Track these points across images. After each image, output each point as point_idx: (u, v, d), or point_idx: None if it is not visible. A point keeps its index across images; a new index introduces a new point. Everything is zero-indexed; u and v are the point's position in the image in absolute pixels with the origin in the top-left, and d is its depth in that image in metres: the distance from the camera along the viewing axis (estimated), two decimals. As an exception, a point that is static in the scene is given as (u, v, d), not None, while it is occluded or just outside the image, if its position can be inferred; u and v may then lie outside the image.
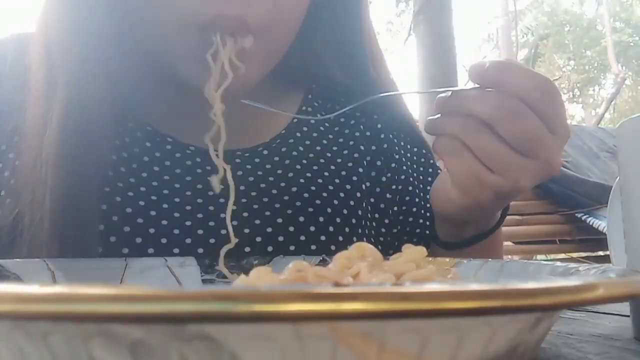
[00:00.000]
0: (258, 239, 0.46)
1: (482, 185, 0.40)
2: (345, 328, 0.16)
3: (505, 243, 2.64)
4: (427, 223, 0.57)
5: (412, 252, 0.27)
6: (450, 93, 0.41)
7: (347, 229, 0.50)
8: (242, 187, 0.48)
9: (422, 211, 0.57)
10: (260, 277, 0.23)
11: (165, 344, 0.16)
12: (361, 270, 0.23)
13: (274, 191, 0.49)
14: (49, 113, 0.42)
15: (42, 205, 0.40)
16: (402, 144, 0.59)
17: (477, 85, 0.40)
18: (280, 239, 0.47)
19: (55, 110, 0.42)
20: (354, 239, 0.50)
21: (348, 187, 0.52)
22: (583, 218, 2.52)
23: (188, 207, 0.46)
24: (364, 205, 0.53)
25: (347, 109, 0.45)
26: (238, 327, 0.15)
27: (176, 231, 0.45)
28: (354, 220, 0.51)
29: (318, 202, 0.50)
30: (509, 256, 2.60)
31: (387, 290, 0.14)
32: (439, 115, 0.42)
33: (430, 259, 0.37)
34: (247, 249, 0.46)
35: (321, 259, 0.40)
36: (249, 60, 0.42)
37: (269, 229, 0.47)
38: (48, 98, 0.42)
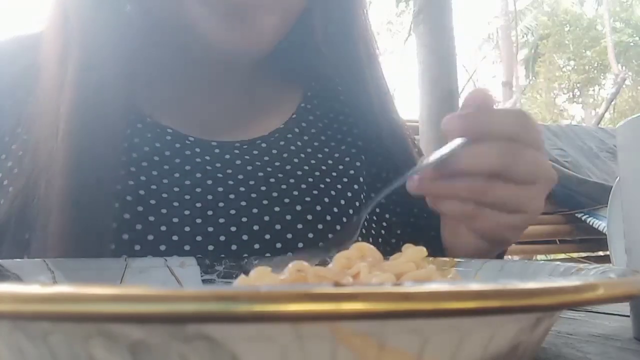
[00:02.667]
0: (255, 227, 0.47)
1: (507, 228, 0.42)
2: (345, 328, 0.16)
3: (506, 243, 2.64)
4: (429, 222, 0.57)
5: (412, 252, 0.27)
6: (438, 156, 0.40)
7: (344, 219, 0.51)
8: (240, 176, 0.49)
9: (421, 211, 0.58)
10: (260, 277, 0.23)
11: (165, 344, 0.16)
12: (361, 270, 0.23)
13: (272, 180, 0.50)
14: (62, 86, 0.44)
15: (53, 188, 0.42)
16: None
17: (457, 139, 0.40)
18: (277, 227, 0.48)
19: (68, 85, 0.43)
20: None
21: (345, 180, 0.53)
22: (583, 218, 2.52)
23: (187, 197, 0.47)
24: (362, 197, 0.54)
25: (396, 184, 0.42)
26: (238, 327, 0.15)
27: (175, 220, 0.45)
28: (351, 211, 0.52)
29: (315, 192, 0.51)
30: (509, 256, 2.60)
31: (387, 290, 0.14)
32: (433, 179, 0.41)
33: (430, 258, 0.37)
34: (245, 237, 0.46)
35: (321, 259, 0.40)
36: (264, 12, 0.45)
37: (267, 218, 0.48)
38: (61, 73, 0.44)
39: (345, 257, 0.25)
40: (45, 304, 0.14)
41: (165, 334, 0.15)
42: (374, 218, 0.55)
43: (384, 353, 0.16)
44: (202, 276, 0.38)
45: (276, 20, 0.46)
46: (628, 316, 0.34)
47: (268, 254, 0.46)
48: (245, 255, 0.42)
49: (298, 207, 0.49)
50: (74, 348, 0.16)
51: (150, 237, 0.44)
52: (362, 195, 0.54)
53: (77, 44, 0.45)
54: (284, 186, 0.50)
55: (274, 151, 0.53)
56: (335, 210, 0.51)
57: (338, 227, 0.50)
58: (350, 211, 0.52)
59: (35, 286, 0.14)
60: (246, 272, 0.24)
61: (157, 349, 0.16)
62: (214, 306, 0.13)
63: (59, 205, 0.41)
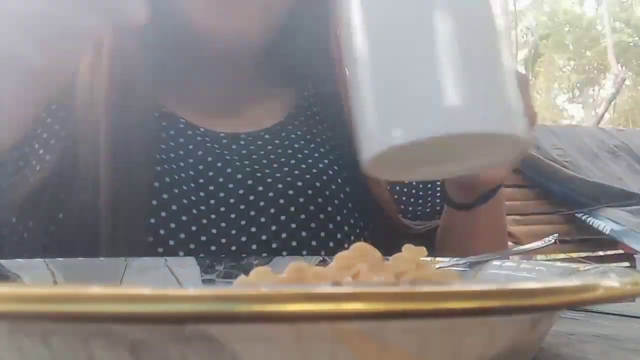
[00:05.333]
0: (262, 204, 0.52)
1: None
2: (345, 328, 0.16)
3: (506, 243, 2.64)
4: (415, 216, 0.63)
5: (412, 252, 0.27)
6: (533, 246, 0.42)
7: (329, 208, 0.56)
8: (246, 162, 0.55)
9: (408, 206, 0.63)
10: (260, 277, 0.23)
11: (165, 344, 0.16)
12: (361, 270, 0.23)
13: (275, 165, 0.56)
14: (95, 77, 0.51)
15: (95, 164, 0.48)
16: None
17: None
18: (282, 201, 0.53)
19: (102, 76, 0.50)
20: (344, 211, 0.56)
21: (330, 172, 0.58)
22: (583, 218, 2.51)
23: (201, 180, 0.52)
24: (347, 189, 0.59)
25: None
26: (238, 327, 0.15)
27: (185, 201, 0.50)
28: (336, 201, 0.57)
29: (315, 171, 0.57)
30: (510, 256, 2.59)
31: (387, 290, 0.14)
32: None
33: (430, 259, 0.37)
34: (252, 213, 0.52)
35: (321, 259, 0.40)
36: None
37: (271, 194, 0.53)
38: (95, 65, 0.51)
39: (345, 257, 0.25)
40: (45, 304, 0.14)
41: (165, 334, 0.15)
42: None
43: (384, 353, 0.16)
44: (202, 276, 0.38)
45: (260, 5, 0.51)
46: (628, 316, 0.34)
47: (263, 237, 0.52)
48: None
49: (299, 184, 0.55)
50: (74, 348, 0.16)
51: (163, 214, 0.49)
52: (346, 188, 0.59)
53: (110, 40, 0.51)
54: (286, 169, 0.56)
55: (277, 141, 0.59)
56: (327, 193, 0.56)
57: (322, 216, 0.54)
58: (336, 201, 0.57)
59: (35, 286, 0.14)
60: (246, 272, 0.24)
61: (157, 349, 0.16)
62: (214, 306, 0.13)
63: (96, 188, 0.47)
